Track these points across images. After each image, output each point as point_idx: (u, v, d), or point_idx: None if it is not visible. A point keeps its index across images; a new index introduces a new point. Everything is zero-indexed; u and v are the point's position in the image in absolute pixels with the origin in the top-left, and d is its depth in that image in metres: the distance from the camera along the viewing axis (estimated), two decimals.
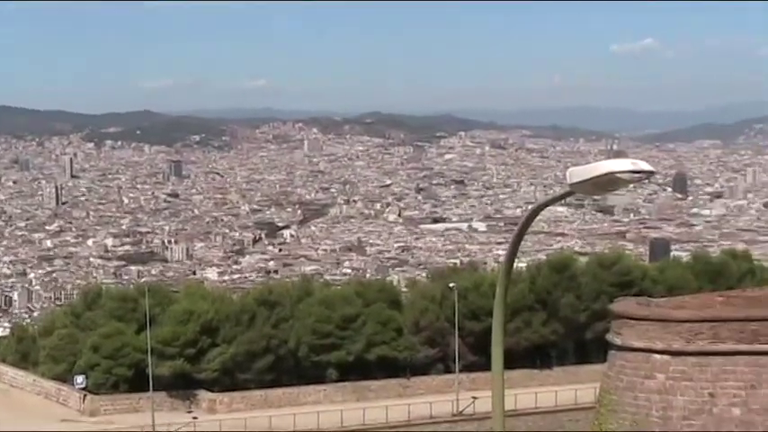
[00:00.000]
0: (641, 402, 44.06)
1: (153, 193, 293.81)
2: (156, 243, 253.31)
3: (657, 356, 44.02)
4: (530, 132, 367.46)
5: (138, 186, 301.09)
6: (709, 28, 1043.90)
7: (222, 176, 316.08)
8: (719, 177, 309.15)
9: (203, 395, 75.87)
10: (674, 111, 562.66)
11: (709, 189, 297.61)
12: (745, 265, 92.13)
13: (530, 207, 11.33)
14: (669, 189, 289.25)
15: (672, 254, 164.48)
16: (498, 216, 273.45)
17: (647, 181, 10.02)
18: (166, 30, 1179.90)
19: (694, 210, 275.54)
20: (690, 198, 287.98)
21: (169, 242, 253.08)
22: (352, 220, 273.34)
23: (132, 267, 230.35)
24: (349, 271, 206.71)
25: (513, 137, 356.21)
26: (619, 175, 9.73)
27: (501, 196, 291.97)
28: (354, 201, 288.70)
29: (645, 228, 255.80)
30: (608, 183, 9.88)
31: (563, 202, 11.44)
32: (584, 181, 9.97)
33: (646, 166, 9.80)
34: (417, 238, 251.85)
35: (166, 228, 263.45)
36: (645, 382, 44.12)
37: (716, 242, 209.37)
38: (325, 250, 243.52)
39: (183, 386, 75.99)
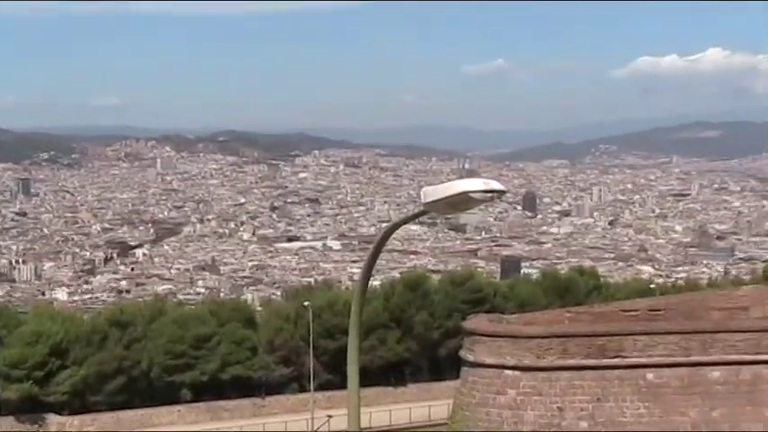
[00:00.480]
0: (493, 418, 44.80)
1: (0, 211, 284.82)
2: (2, 263, 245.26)
3: (509, 372, 44.86)
4: (383, 151, 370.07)
5: None
6: (557, 51, 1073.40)
7: (72, 195, 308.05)
8: (567, 196, 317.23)
9: (52, 419, 73.81)
10: (524, 130, 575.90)
11: (557, 207, 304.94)
12: (592, 282, 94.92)
13: (384, 226, 11.46)
14: (519, 207, 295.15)
15: (522, 271, 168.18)
16: (353, 234, 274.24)
17: (498, 200, 10.20)
18: (13, 45, 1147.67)
19: (543, 228, 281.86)
20: (539, 216, 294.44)
21: (17, 262, 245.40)
22: (206, 239, 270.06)
23: None
24: (203, 290, 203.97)
25: (367, 155, 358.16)
26: (472, 194, 9.96)
27: (355, 215, 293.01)
28: (208, 219, 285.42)
29: (496, 246, 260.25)
30: (462, 202, 10.09)
31: (416, 220, 11.60)
32: (439, 200, 10.16)
33: (497, 186, 10.05)
34: (272, 257, 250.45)
35: (14, 247, 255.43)
36: (497, 398, 44.89)
37: (564, 259, 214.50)
38: (179, 269, 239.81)
39: (31, 410, 73.80)
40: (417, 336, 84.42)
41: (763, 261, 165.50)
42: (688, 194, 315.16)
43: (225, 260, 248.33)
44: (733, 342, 45.75)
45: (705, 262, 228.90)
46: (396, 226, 11.63)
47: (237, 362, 79.05)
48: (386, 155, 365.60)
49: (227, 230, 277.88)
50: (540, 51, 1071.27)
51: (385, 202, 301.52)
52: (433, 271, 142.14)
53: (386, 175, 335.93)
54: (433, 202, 10.25)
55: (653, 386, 44.79)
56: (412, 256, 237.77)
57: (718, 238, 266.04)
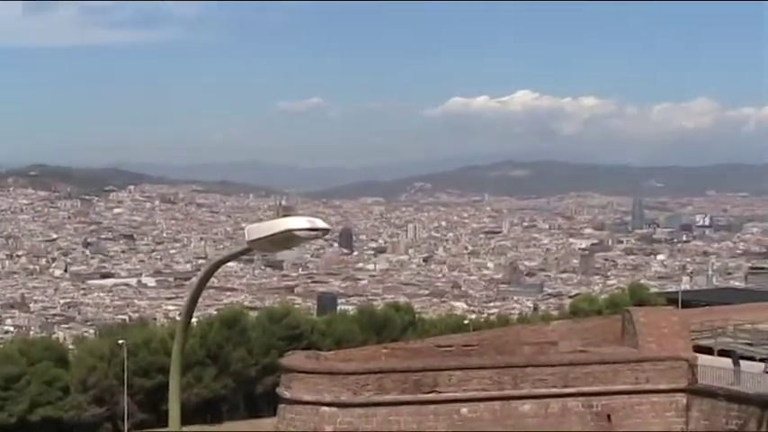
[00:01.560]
0: None
1: None
2: None
3: (326, 409, 45.03)
4: (200, 187, 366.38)
5: None
6: (371, 89, 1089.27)
7: None
8: (383, 233, 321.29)
9: None
10: (340, 168, 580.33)
11: (373, 244, 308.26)
12: (408, 318, 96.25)
13: (207, 263, 11.50)
14: (335, 244, 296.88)
15: (339, 307, 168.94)
16: (168, 271, 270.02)
17: (320, 237, 10.42)
18: None
19: (359, 264, 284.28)
20: (355, 253, 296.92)
21: None
22: (16, 276, 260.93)
23: None
24: (12, 329, 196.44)
25: (184, 191, 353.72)
26: (296, 232, 10.14)
27: (171, 251, 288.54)
28: (18, 255, 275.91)
29: (313, 282, 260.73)
30: (286, 240, 10.25)
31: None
32: (263, 238, 10.29)
33: (321, 224, 10.27)
34: (85, 294, 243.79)
35: None
36: None
37: (380, 296, 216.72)
38: None
39: None
40: (234, 373, 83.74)
41: (570, 296, 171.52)
42: (499, 232, 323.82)
43: (35, 297, 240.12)
44: (543, 376, 47.31)
45: (516, 298, 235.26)
46: (220, 263, 11.68)
47: (48, 402, 76.54)
48: (202, 191, 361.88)
49: (37, 267, 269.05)
50: (355, 90, 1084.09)
51: (201, 238, 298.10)
52: (251, 308, 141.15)
53: (202, 212, 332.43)
54: (257, 239, 10.36)
55: (467, 420, 45.81)
56: (229, 293, 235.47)
57: (528, 274, 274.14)
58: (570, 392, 47.28)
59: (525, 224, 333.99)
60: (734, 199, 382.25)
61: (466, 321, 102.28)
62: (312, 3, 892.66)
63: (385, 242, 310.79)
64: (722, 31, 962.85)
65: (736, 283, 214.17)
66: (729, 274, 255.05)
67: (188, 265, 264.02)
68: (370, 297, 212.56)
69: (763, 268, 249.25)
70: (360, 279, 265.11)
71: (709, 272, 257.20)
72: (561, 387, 47.21)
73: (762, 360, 49.06)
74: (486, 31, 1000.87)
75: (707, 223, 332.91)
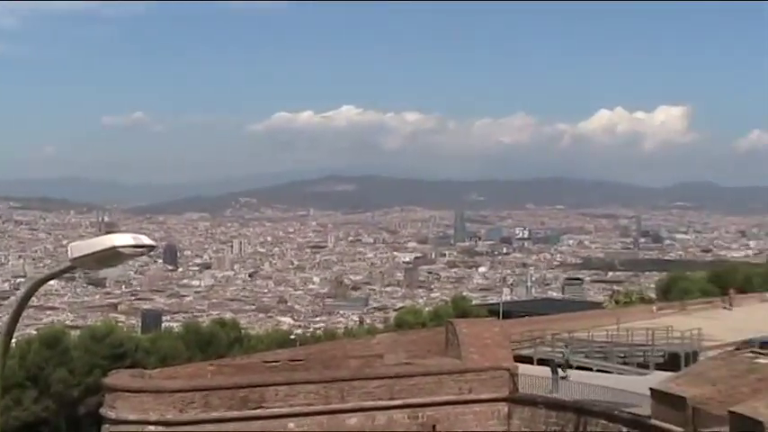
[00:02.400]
0: None
1: None
2: None
3: (151, 428, 44.39)
4: (18, 204, 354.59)
5: None
6: (195, 104, 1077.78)
7: None
8: (208, 249, 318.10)
9: None
10: (164, 183, 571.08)
11: (198, 260, 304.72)
12: (234, 334, 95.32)
13: (25, 282, 11.34)
14: (160, 260, 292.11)
15: (163, 325, 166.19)
16: None
17: (146, 254, 10.42)
18: None
19: (185, 281, 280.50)
20: (180, 269, 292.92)
21: None
22: None
23: None
24: None
25: (1, 208, 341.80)
26: (121, 249, 10.11)
27: None
28: None
29: (136, 299, 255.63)
30: (111, 257, 10.21)
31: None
32: (87, 255, 10.22)
33: (147, 241, 10.28)
34: None
35: None
36: None
37: (206, 312, 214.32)
38: None
39: None
40: (55, 394, 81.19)
41: (395, 309, 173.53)
42: (325, 246, 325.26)
43: None
44: (369, 389, 47.83)
45: (341, 312, 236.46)
46: (41, 282, 11.51)
47: None
48: (20, 207, 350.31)
49: None
50: (179, 104, 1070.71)
51: (20, 256, 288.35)
52: (72, 327, 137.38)
53: (20, 229, 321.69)
54: (81, 257, 10.28)
55: None
56: (49, 312, 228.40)
57: (354, 288, 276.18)
58: (396, 404, 47.96)
59: (350, 238, 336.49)
60: (551, 212, 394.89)
61: (292, 336, 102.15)
62: (134, 15, 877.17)
63: (210, 258, 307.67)
64: (538, 46, 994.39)
65: (554, 294, 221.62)
66: (547, 284, 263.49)
67: (6, 285, 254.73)
68: (195, 313, 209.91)
69: (578, 279, 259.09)
70: (185, 295, 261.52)
71: (528, 283, 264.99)
72: (387, 399, 47.83)
73: (558, 366, 50.87)
74: (309, 46, 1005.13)
75: (526, 236, 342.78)
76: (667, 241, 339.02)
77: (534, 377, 50.03)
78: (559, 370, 50.13)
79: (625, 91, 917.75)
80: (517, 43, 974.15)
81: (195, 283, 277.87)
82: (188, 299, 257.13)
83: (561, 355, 54.97)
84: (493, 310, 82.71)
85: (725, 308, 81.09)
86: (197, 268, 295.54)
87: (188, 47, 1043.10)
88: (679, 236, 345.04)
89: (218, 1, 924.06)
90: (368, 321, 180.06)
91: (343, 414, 46.99)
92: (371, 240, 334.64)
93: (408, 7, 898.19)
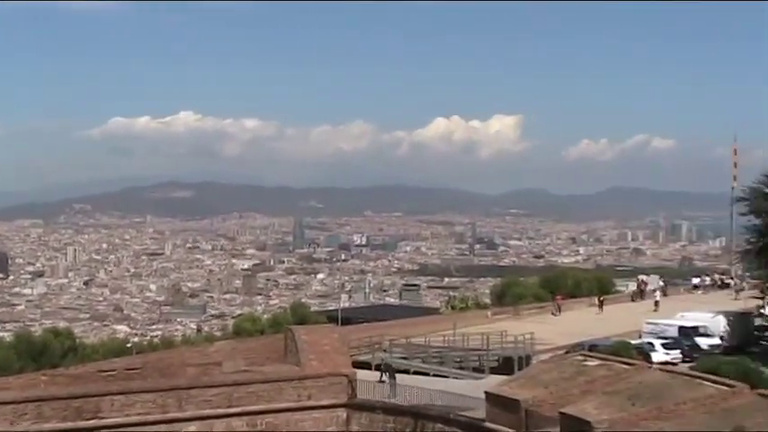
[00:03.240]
0: None
1: None
2: None
3: None
4: None
5: None
6: (24, 109, 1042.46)
7: None
8: (41, 256, 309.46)
9: None
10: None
11: (30, 268, 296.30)
12: (68, 343, 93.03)
13: None
14: None
15: None
16: None
17: None
18: None
19: (16, 289, 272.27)
20: (11, 278, 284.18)
21: None
22: None
23: None
24: None
25: None
26: None
27: None
28: None
29: None
30: None
31: None
32: None
33: None
34: None
35: None
36: None
37: (38, 321, 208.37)
38: None
39: None
40: None
41: (234, 317, 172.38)
42: (162, 253, 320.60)
43: None
44: (207, 397, 47.50)
45: (179, 319, 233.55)
46: None
47: None
48: None
49: None
50: (11, 108, 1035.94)
51: None
52: None
53: None
54: None
55: None
56: None
57: (192, 295, 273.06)
58: (235, 412, 47.77)
59: (188, 245, 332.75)
60: (389, 219, 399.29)
61: (129, 345, 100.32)
62: None
63: (43, 266, 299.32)
64: (376, 53, 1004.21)
65: (391, 300, 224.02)
66: (385, 291, 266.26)
67: None
68: (27, 323, 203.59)
69: (415, 285, 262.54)
70: (16, 304, 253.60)
71: (367, 289, 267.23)
72: (226, 407, 47.61)
73: (391, 371, 51.68)
74: (145, 49, 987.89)
75: (364, 242, 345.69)
76: (501, 248, 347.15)
77: (372, 383, 50.60)
78: (385, 375, 50.78)
79: (461, 100, 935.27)
80: (356, 50, 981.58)
81: (27, 291, 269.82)
82: (20, 308, 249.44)
83: (381, 360, 55.82)
84: (331, 317, 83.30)
85: (552, 314, 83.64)
86: (29, 276, 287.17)
87: (25, 49, 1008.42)
88: (513, 242, 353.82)
89: (46, 1, 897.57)
90: (206, 329, 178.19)
91: (181, 423, 46.54)
92: (209, 247, 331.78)
93: (245, 13, 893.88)
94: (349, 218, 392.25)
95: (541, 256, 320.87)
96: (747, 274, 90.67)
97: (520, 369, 55.65)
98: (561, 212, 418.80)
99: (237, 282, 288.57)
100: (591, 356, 46.80)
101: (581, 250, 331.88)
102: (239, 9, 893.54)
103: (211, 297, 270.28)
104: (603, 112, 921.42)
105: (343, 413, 49.67)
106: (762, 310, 68.52)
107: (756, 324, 70.58)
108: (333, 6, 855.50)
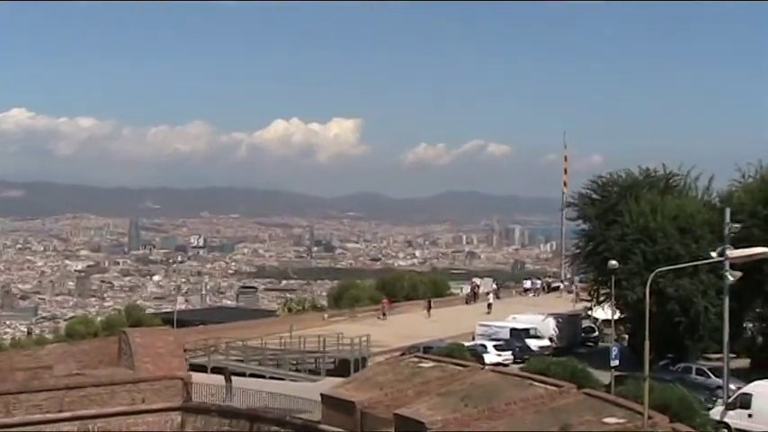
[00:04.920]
0: None
1: None
2: None
3: None
4: None
5: None
6: None
7: None
8: None
9: None
10: None
11: None
12: None
13: None
14: None
15: None
16: None
17: None
18: None
19: None
20: None
21: None
22: None
23: None
24: None
25: None
26: None
27: None
28: None
29: None
30: None
31: None
32: None
33: None
34: None
35: None
36: None
37: None
38: None
39: None
40: None
41: (66, 319, 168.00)
42: None
43: None
44: (37, 401, 46.32)
45: (9, 322, 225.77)
46: None
47: None
48: None
49: None
50: None
51: None
52: None
53: None
54: None
55: None
56: None
57: (22, 297, 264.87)
58: (66, 417, 46.73)
59: (19, 246, 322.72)
60: (227, 220, 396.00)
61: None
62: None
63: None
64: (215, 57, 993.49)
65: (228, 302, 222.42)
66: (222, 293, 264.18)
67: None
68: None
69: (252, 287, 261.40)
70: None
71: (203, 291, 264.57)
72: (56, 412, 46.51)
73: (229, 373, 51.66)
74: None
75: (201, 244, 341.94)
76: (339, 250, 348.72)
77: (208, 385, 50.28)
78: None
79: (301, 102, 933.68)
80: (196, 50, 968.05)
81: None
82: None
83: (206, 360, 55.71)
84: (167, 319, 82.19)
85: (378, 317, 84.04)
86: None
87: None
88: (350, 245, 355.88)
89: None
90: (37, 332, 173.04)
91: (9, 429, 45.24)
92: (42, 248, 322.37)
93: (82, 10, 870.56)
94: (186, 219, 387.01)
95: (378, 259, 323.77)
96: (576, 277, 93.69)
97: (356, 371, 56.19)
98: (398, 216, 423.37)
99: (70, 283, 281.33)
100: (425, 358, 47.73)
101: (417, 253, 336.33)
102: (78, 6, 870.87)
103: (43, 299, 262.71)
104: (441, 117, 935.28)
105: (177, 416, 49.21)
106: (589, 313, 70.96)
107: (584, 326, 73.18)
108: (172, 6, 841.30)
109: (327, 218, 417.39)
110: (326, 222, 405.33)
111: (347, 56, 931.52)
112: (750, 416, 42.26)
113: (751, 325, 63.38)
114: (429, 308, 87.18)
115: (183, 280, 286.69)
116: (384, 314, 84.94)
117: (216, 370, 56.61)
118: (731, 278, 43.14)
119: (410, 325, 77.60)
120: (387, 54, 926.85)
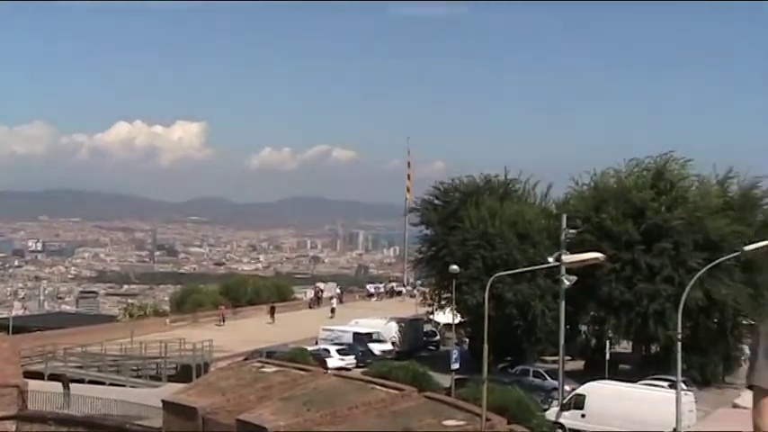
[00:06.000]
0: None
1: None
2: None
3: None
4: None
5: None
6: None
7: None
8: None
9: None
10: None
11: None
12: None
13: None
14: None
15: None
16: None
17: None
18: None
19: None
20: None
21: None
22: None
23: None
24: None
25: None
26: None
27: None
28: None
29: None
30: None
31: None
32: None
33: None
34: None
35: None
36: None
37: None
38: None
39: None
40: None
41: None
42: None
43: None
44: None
45: None
46: None
47: None
48: None
49: None
50: None
51: None
52: None
53: None
54: None
55: None
56: None
57: None
58: None
59: None
60: (66, 224, 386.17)
61: None
62: None
63: None
64: (56, 56, 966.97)
65: (68, 308, 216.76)
66: (61, 298, 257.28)
67: None
68: None
69: (92, 292, 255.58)
70: None
71: (41, 296, 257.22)
72: None
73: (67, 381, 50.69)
74: None
75: (39, 248, 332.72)
76: (182, 255, 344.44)
77: (45, 393, 49.08)
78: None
79: (144, 104, 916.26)
80: (37, 49, 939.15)
81: None
82: None
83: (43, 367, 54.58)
84: (2, 326, 79.68)
85: (216, 324, 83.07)
86: None
87: None
88: (193, 249, 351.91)
89: None
90: None
91: None
92: None
93: None
94: (24, 223, 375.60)
95: (222, 264, 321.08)
96: (419, 281, 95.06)
97: (198, 377, 55.69)
98: (242, 220, 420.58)
99: None
100: (268, 363, 47.68)
101: (261, 258, 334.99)
102: None
103: None
104: (287, 122, 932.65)
105: (12, 425, 47.78)
106: (431, 317, 72.10)
107: (426, 330, 74.33)
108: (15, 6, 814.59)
109: (171, 222, 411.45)
110: (170, 226, 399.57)
111: (192, 59, 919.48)
112: (583, 416, 43.80)
113: (585, 328, 65.69)
114: (272, 313, 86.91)
115: (20, 285, 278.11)
116: (222, 320, 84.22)
117: (53, 377, 55.27)
118: (567, 282, 44.49)
119: (253, 330, 77.34)
120: (232, 56, 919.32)
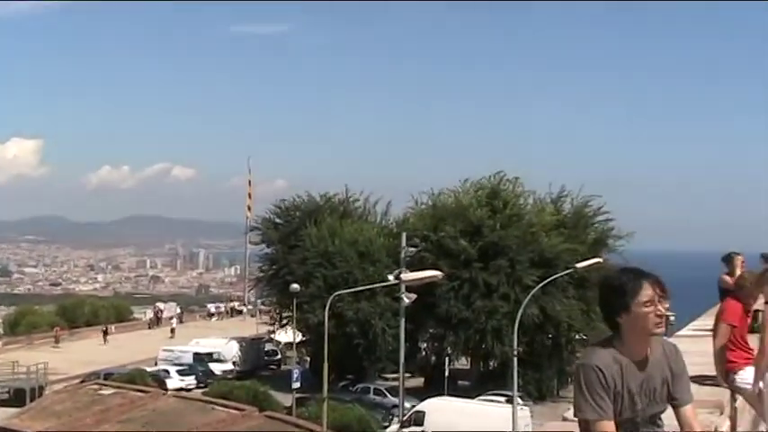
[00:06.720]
0: None
1: None
2: None
3: None
4: None
5: None
6: None
7: None
8: None
9: None
10: None
11: None
12: None
13: None
14: None
15: None
16: None
17: None
18: None
19: None
20: None
21: None
22: None
23: None
24: None
25: None
26: None
27: None
28: None
29: None
30: None
31: None
32: None
33: None
34: None
35: None
36: None
37: None
38: None
39: None
40: None
41: None
42: None
43: None
44: None
45: None
46: None
47: None
48: None
49: None
50: None
51: None
52: None
53: None
54: None
55: None
56: None
57: None
58: None
59: None
60: None
61: None
62: None
63: None
64: None
65: None
66: None
67: None
68: None
69: None
70: None
71: None
72: None
73: None
74: None
75: None
76: (16, 275, 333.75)
77: None
78: None
79: None
80: None
81: None
82: None
83: None
84: None
85: (52, 346, 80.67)
86: None
87: None
88: (28, 269, 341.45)
89: None
90: None
91: None
92: None
93: None
94: None
95: (59, 284, 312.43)
96: (260, 300, 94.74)
97: (32, 400, 54.10)
98: (80, 239, 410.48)
99: None
100: (106, 385, 46.84)
101: (99, 278, 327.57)
102: None
103: None
104: (125, 139, 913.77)
105: None
106: (272, 336, 71.98)
107: (267, 349, 74.13)
108: None
109: (4, 241, 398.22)
110: (3, 246, 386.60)
111: (31, 73, 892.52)
112: None
113: (425, 345, 66.69)
114: (105, 334, 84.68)
115: None
116: (57, 341, 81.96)
117: None
118: (407, 300, 45.10)
119: (91, 351, 75.59)
120: (69, 71, 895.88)
